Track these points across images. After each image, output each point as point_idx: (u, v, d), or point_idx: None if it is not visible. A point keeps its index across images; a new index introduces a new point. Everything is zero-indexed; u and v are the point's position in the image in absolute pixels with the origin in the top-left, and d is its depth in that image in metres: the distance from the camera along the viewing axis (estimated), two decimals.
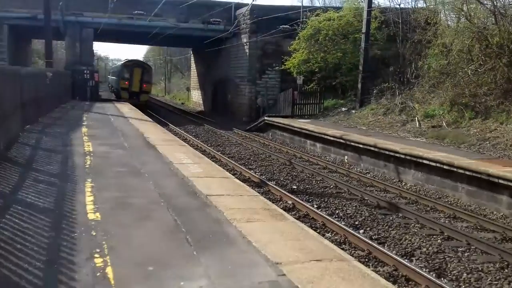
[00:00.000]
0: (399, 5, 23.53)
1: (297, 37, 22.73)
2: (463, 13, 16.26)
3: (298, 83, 21.89)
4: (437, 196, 10.54)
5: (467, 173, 9.85)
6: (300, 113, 21.47)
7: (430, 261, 6.59)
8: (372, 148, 13.01)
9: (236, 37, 26.88)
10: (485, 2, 15.44)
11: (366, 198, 9.85)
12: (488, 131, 13.13)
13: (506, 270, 6.37)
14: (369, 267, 5.83)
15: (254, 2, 21.02)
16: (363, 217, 8.60)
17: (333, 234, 7.52)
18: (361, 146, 13.57)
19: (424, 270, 6.10)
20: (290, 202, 9.21)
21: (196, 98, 39.77)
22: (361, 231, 7.83)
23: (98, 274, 3.82)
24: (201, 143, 17.14)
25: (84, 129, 13.27)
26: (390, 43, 21.81)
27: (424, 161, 11.07)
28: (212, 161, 10.97)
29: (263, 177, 11.73)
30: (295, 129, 17.93)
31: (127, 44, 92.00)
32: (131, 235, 4.79)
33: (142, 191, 6.62)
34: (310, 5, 34.07)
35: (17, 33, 27.73)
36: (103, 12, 24.69)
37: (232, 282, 3.83)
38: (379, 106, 18.77)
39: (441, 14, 18.72)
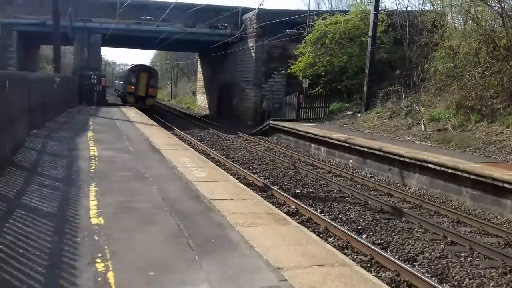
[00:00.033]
0: (406, 8, 23.38)
1: (303, 41, 22.74)
2: (470, 15, 16.20)
3: (304, 86, 21.88)
4: (441, 200, 10.49)
5: (472, 177, 9.80)
6: (305, 116, 21.47)
7: (432, 266, 6.56)
8: (377, 152, 12.98)
9: (243, 41, 26.96)
10: (492, 4, 15.39)
11: (369, 203, 9.83)
12: (494, 135, 13.05)
13: (508, 275, 6.33)
14: (371, 272, 5.83)
15: (261, 7, 21.09)
16: (366, 222, 8.58)
17: (335, 239, 7.51)
18: (365, 149, 13.55)
19: (426, 275, 6.08)
20: (293, 206, 9.21)
21: (201, 102, 39.90)
22: (364, 235, 7.81)
23: (99, 279, 3.84)
24: (205, 147, 17.20)
25: (90, 134, 13.38)
26: (397, 46, 21.75)
27: (429, 165, 11.03)
28: (217, 165, 11.01)
29: (267, 181, 11.74)
30: (300, 133, 17.94)
31: (135, 49, 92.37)
32: (134, 239, 4.83)
33: (146, 196, 6.66)
34: (317, 9, 34.03)
35: (26, 39, 28.04)
36: (111, 18, 24.89)
37: (234, 287, 3.84)
38: (384, 109, 18.73)
39: (448, 16, 18.68)
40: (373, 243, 7.28)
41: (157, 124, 18.66)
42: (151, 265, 4.15)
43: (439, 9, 19.20)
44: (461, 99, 15.31)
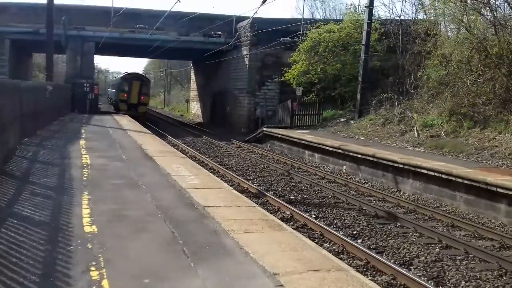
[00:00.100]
0: (399, 16, 23.56)
1: (297, 49, 22.87)
2: (463, 24, 16.37)
3: (298, 94, 21.96)
4: (435, 205, 10.53)
5: (465, 182, 9.86)
6: (299, 124, 21.54)
7: (428, 270, 6.57)
8: (371, 158, 13.02)
9: (237, 49, 27.05)
10: (485, 13, 15.58)
11: (364, 208, 9.83)
12: (487, 140, 13.16)
13: (504, 278, 6.36)
14: (367, 277, 5.80)
15: (255, 15, 21.21)
16: (361, 227, 8.58)
17: (331, 244, 7.49)
18: (359, 156, 13.59)
19: (422, 278, 6.08)
20: (288, 212, 9.19)
21: (195, 110, 39.91)
22: (359, 240, 7.80)
23: (94, 287, 3.79)
24: (199, 154, 17.15)
25: (82, 142, 13.29)
26: (390, 54, 21.93)
27: (423, 171, 11.08)
28: (210, 172, 10.98)
29: (261, 187, 11.72)
30: (294, 139, 17.96)
31: (128, 57, 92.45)
32: (128, 247, 4.78)
33: (139, 203, 6.60)
34: (311, 17, 34.26)
35: (19, 47, 27.94)
36: (105, 26, 24.89)
37: None
38: (378, 116, 18.83)
39: (441, 25, 18.87)
40: (369, 248, 7.27)
41: (150, 132, 18.61)
42: (146, 273, 4.11)
43: (432, 18, 19.40)
44: (453, 106, 15.44)
